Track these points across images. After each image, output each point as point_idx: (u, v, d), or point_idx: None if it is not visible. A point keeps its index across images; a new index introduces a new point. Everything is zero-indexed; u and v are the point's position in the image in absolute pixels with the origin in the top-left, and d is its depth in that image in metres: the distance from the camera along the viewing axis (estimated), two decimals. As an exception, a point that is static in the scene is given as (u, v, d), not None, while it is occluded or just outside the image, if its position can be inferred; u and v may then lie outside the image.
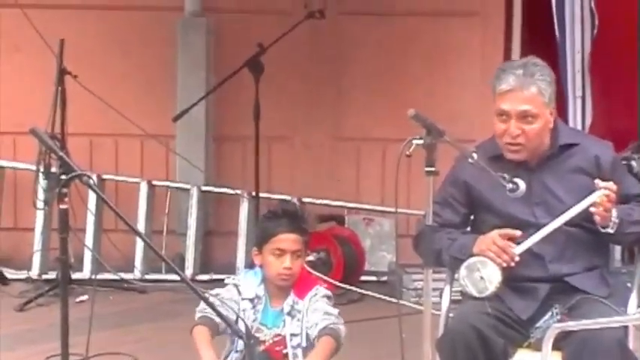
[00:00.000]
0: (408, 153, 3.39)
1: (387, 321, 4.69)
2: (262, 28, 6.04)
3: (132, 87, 6.39)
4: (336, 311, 3.77)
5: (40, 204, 5.69)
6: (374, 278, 6.14)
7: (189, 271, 6.08)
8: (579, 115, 5.98)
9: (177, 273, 3.89)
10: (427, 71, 6.50)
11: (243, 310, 3.73)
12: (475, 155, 3.51)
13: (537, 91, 3.64)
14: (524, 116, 3.61)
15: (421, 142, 3.38)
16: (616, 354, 3.39)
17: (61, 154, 3.36)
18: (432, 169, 3.41)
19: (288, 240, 3.73)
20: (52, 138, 4.91)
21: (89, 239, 5.92)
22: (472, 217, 3.87)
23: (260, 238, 3.82)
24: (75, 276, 5.70)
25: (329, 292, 3.87)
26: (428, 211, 3.57)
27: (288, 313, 3.72)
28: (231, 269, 5.78)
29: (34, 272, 5.97)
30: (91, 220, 5.78)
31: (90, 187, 3.34)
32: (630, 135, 5.79)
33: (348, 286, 5.88)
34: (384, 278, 6.17)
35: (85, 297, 5.45)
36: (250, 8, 6.43)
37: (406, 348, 3.75)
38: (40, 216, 5.94)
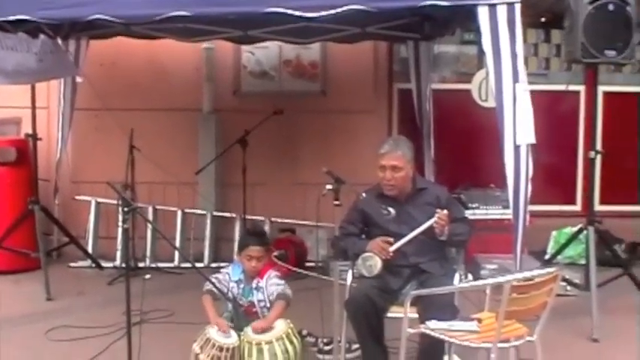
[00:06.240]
0: (323, 193, 4.34)
1: (320, 290, 5.34)
2: (249, 122, 7.47)
3: (178, 157, 8.07)
4: (283, 281, 4.64)
5: (120, 224, 7.06)
6: (313, 265, 7.63)
7: (206, 261, 7.91)
8: (432, 170, 7.43)
9: (192, 265, 5.42)
10: (343, 144, 8.24)
11: (232, 287, 4.65)
12: (365, 194, 4.62)
13: (401, 153, 4.62)
14: (393, 168, 4.66)
15: (330, 187, 4.39)
16: (448, 308, 4.31)
17: (123, 196, 4.34)
18: (337, 202, 4.36)
19: (254, 250, 4.62)
20: (125, 187, 6.72)
21: (148, 243, 7.77)
22: (366, 230, 4.82)
23: (239, 247, 4.76)
24: (141, 264, 7.78)
25: (278, 273, 4.73)
26: (339, 226, 4.70)
27: (256, 288, 4.63)
28: (229, 261, 6.46)
29: (117, 262, 7.93)
30: (149, 231, 7.66)
31: (140, 215, 4.51)
32: (459, 178, 7.59)
33: (298, 270, 7.32)
34: (320, 265, 7.57)
35: (148, 276, 7.38)
36: (243, 109, 8.09)
37: (328, 305, 4.52)
38: (120, 231, 7.63)
